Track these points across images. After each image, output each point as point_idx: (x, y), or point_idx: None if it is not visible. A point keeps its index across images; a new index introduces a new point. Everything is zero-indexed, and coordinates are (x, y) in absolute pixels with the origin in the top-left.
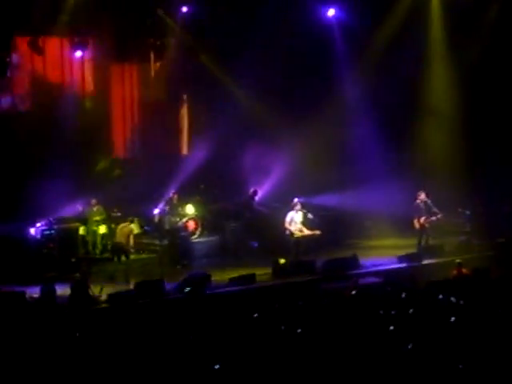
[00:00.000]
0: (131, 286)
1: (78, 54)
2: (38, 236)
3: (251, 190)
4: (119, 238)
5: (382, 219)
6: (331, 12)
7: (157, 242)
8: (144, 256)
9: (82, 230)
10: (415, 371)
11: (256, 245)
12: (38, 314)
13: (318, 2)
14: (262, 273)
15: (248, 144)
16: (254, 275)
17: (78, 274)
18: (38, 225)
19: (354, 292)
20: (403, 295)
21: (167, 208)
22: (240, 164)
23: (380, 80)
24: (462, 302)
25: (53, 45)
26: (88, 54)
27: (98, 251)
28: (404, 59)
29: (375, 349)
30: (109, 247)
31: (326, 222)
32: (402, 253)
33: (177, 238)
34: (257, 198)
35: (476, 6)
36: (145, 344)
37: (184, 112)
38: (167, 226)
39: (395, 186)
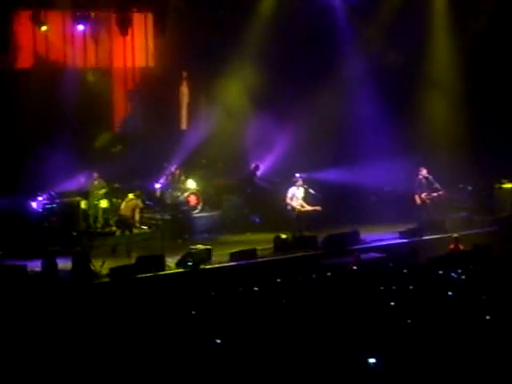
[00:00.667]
0: (132, 261)
1: (80, 27)
2: (40, 210)
3: (253, 165)
4: (124, 211)
5: (384, 195)
6: None
7: (158, 216)
8: (145, 230)
9: (83, 204)
10: (415, 345)
11: (257, 220)
12: (39, 288)
13: None
14: (264, 248)
15: (250, 119)
16: (255, 250)
17: (79, 248)
18: (40, 199)
19: (355, 267)
20: (404, 270)
21: (169, 183)
22: (242, 139)
23: (383, 53)
24: (463, 277)
25: (55, 19)
26: (90, 28)
27: (99, 225)
28: (407, 33)
29: (375, 323)
30: (110, 221)
31: (327, 197)
32: (404, 228)
33: (178, 212)
34: (258, 173)
35: None
36: (146, 318)
37: (184, 87)
38: (169, 201)
39: (397, 162)
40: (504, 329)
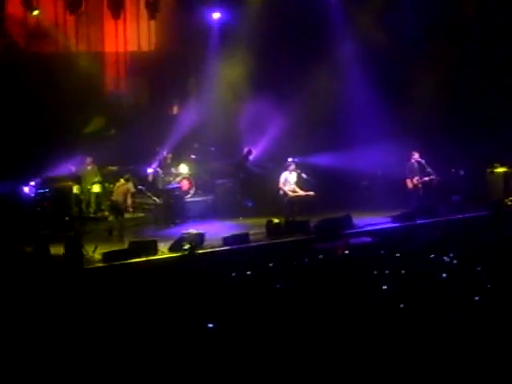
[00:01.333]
0: (125, 245)
1: (73, 10)
2: (32, 195)
3: (245, 150)
4: (116, 196)
5: (377, 179)
6: None
7: (150, 201)
8: (138, 215)
9: (76, 189)
10: (408, 329)
11: (250, 204)
12: (32, 271)
13: None
14: (256, 232)
15: (243, 103)
16: (247, 235)
17: (71, 233)
18: (32, 183)
19: (346, 252)
20: (396, 255)
21: (161, 167)
22: (235, 123)
23: (375, 37)
24: (455, 262)
25: (46, 3)
26: (82, 12)
27: (91, 210)
28: (398, 15)
29: (367, 308)
30: (103, 206)
31: (320, 182)
32: (396, 213)
33: (171, 197)
34: (251, 157)
35: None
36: (138, 303)
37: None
38: (161, 186)
39: (390, 146)
40: (496, 313)
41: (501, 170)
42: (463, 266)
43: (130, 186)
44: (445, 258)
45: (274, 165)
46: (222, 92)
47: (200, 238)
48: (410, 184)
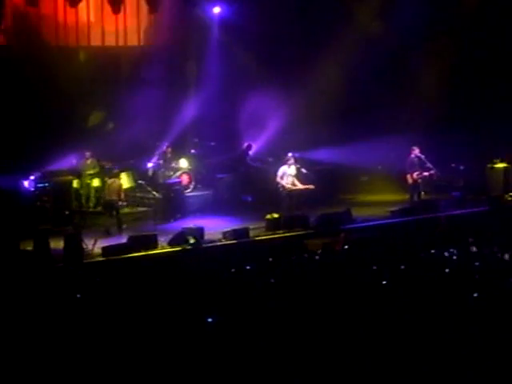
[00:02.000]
0: (124, 240)
1: (73, 4)
2: (32, 189)
3: (245, 145)
4: (110, 194)
5: (377, 174)
6: None
7: (150, 195)
8: (137, 209)
9: (75, 183)
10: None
11: (250, 199)
12: (32, 267)
13: None
14: (256, 227)
15: (243, 97)
16: (247, 229)
17: (71, 227)
18: (32, 177)
19: (346, 246)
20: (396, 250)
21: (161, 162)
22: (235, 118)
23: (375, 31)
24: (454, 257)
25: None
26: (82, 5)
27: (91, 204)
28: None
29: (366, 303)
30: (102, 201)
31: (320, 176)
32: (396, 208)
33: (170, 191)
34: (251, 152)
35: None
36: (138, 298)
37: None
38: (161, 180)
39: (390, 141)
40: (494, 307)
41: (501, 165)
42: (464, 261)
43: (123, 181)
44: (445, 253)
45: (274, 159)
46: (222, 86)
47: (200, 232)
48: (410, 179)
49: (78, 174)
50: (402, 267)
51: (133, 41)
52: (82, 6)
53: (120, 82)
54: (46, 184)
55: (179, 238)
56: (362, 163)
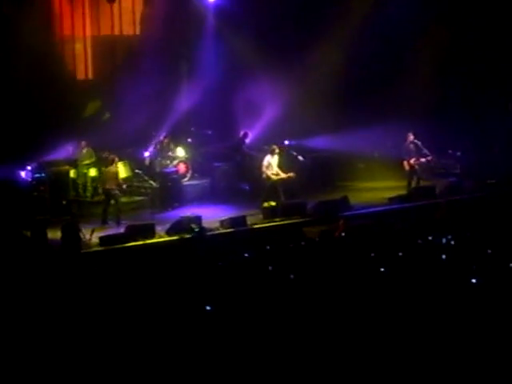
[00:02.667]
0: (122, 229)
1: None
2: (29, 179)
3: (241, 133)
4: (109, 184)
5: (374, 161)
6: None
7: (147, 184)
8: (135, 199)
9: (72, 173)
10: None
11: (247, 187)
12: (30, 256)
13: None
14: (253, 215)
15: (239, 86)
16: (244, 217)
17: (68, 217)
18: (29, 168)
19: (343, 234)
20: (393, 237)
21: (158, 151)
22: (231, 106)
23: (370, 19)
24: (452, 243)
25: None
26: None
27: (88, 194)
28: None
29: (366, 290)
30: (99, 190)
31: (317, 164)
32: (393, 194)
33: (167, 180)
34: (247, 140)
35: None
36: (136, 287)
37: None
38: (158, 169)
39: (387, 128)
40: (492, 293)
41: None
42: (461, 248)
43: (119, 169)
44: (443, 239)
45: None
46: (218, 75)
47: (197, 221)
48: (406, 166)
49: (75, 164)
50: (400, 254)
51: (128, 30)
52: None
53: (116, 72)
54: (43, 174)
55: (177, 227)
56: (358, 150)
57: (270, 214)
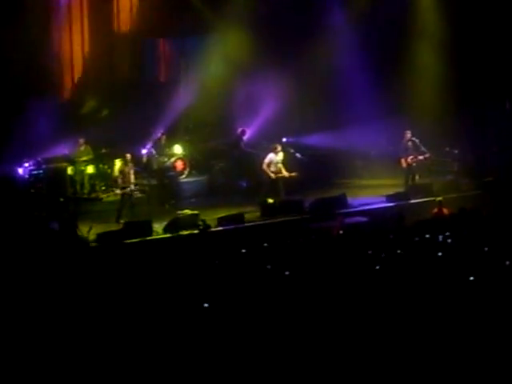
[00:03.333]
0: (120, 226)
1: None
2: (26, 176)
3: (239, 130)
4: (127, 182)
5: (372, 159)
6: None
7: (145, 182)
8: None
9: (70, 170)
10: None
11: (244, 184)
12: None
13: None
14: (251, 212)
15: (237, 83)
16: (242, 215)
17: (66, 214)
18: (26, 165)
19: (341, 231)
20: (390, 234)
21: (155, 148)
22: (229, 103)
23: (369, 16)
24: (449, 241)
25: None
26: None
27: (86, 191)
28: None
29: (363, 288)
30: (97, 187)
31: (315, 161)
32: (391, 192)
33: (165, 177)
34: (245, 137)
35: None
36: (133, 284)
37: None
38: (155, 166)
39: (385, 126)
40: (490, 291)
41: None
42: (458, 246)
43: (116, 168)
44: (440, 236)
45: (268, 144)
46: (216, 72)
47: (194, 218)
48: (404, 163)
49: (73, 161)
50: (398, 251)
51: (125, 26)
52: None
53: (114, 69)
54: (41, 171)
55: (174, 224)
56: (356, 148)
57: (268, 211)
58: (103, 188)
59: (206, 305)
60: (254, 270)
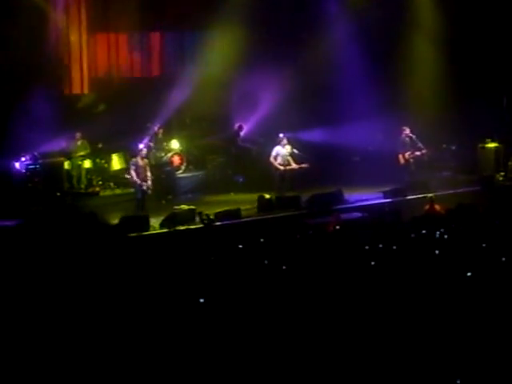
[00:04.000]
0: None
1: None
2: (23, 170)
3: (236, 125)
4: (145, 177)
5: (368, 154)
6: None
7: None
8: (129, 190)
9: (66, 165)
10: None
11: (241, 180)
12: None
13: None
14: (248, 208)
15: (234, 78)
16: (239, 210)
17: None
18: (23, 159)
19: (337, 227)
20: (387, 230)
21: (152, 143)
22: (226, 98)
23: (366, 13)
24: (446, 237)
25: None
26: None
27: (82, 186)
28: None
29: (357, 283)
30: (94, 182)
31: (312, 157)
32: (387, 188)
33: (162, 172)
34: (242, 133)
35: None
36: (129, 279)
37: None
38: (152, 161)
39: (381, 121)
40: (487, 287)
41: (492, 145)
42: (455, 242)
43: (113, 163)
44: (436, 233)
45: (265, 140)
46: (213, 67)
47: (191, 213)
48: (401, 159)
49: (69, 156)
50: (394, 247)
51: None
52: None
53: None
54: (37, 166)
55: (171, 220)
56: (353, 143)
57: (264, 206)
58: (100, 183)
59: (201, 300)
60: (251, 265)
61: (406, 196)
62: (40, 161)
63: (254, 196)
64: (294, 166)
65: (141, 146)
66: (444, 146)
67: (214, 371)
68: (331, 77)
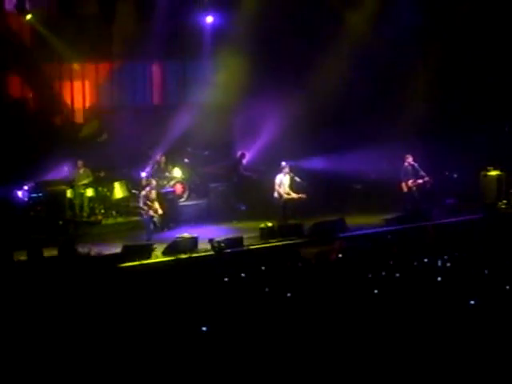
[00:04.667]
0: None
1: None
2: (26, 199)
3: (239, 153)
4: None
5: (370, 183)
6: None
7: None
8: (131, 219)
9: (69, 193)
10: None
11: (243, 208)
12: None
13: None
14: (250, 236)
15: (236, 107)
16: (241, 238)
17: (65, 237)
18: (26, 188)
19: (340, 255)
20: (389, 258)
21: (154, 171)
22: (228, 127)
23: (367, 42)
24: (448, 265)
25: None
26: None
27: (85, 214)
28: (392, 20)
29: (360, 311)
30: (96, 210)
31: (313, 185)
32: (390, 216)
33: (164, 201)
34: (244, 161)
35: None
36: (131, 307)
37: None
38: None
39: (384, 150)
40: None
41: (494, 173)
42: (458, 270)
43: (115, 191)
44: (439, 261)
45: (267, 168)
46: (216, 96)
47: (194, 241)
48: (404, 187)
49: (72, 184)
50: (397, 275)
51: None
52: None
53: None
54: (40, 194)
55: (173, 248)
56: (355, 172)
57: (266, 234)
58: (102, 211)
59: (204, 328)
60: (253, 293)
61: (409, 224)
62: (42, 189)
63: (257, 224)
64: (293, 195)
65: (143, 174)
66: (446, 173)
67: None
68: (333, 105)
